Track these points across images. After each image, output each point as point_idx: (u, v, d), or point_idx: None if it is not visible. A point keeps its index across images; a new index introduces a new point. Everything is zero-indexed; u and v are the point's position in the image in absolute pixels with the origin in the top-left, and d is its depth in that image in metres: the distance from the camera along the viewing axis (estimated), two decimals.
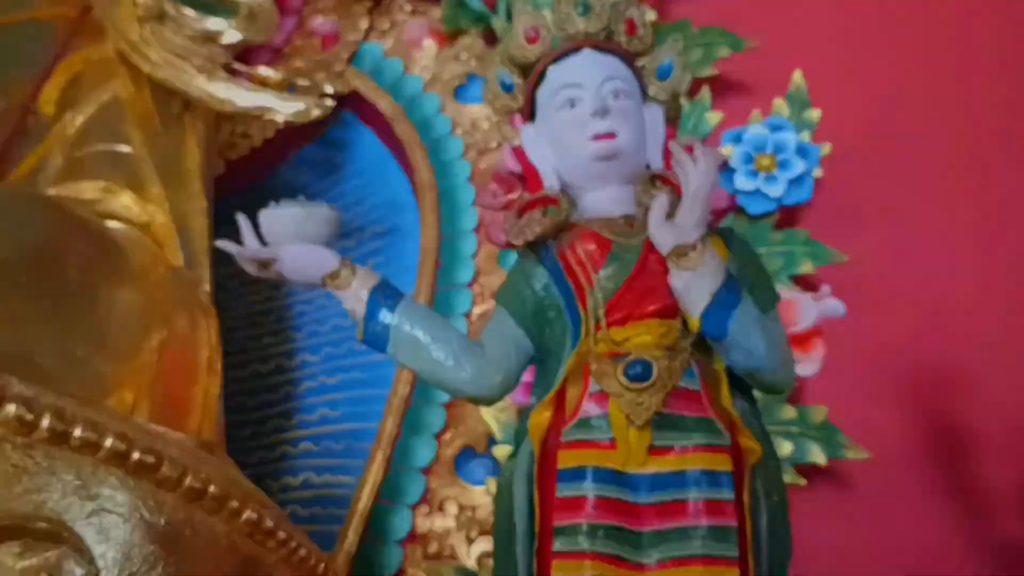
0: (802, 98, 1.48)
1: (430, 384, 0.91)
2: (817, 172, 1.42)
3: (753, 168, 1.39)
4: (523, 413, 0.83)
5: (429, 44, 1.70)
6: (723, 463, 0.72)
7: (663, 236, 0.76)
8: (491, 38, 1.65)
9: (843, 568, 1.23)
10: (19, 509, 0.69)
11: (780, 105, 1.47)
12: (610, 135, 0.82)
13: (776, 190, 1.37)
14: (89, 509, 0.71)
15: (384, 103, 1.62)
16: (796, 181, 1.38)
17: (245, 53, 1.50)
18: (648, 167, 0.86)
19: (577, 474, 0.72)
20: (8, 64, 1.27)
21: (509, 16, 1.57)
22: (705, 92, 1.50)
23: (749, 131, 1.41)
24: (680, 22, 1.60)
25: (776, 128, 1.41)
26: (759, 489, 0.74)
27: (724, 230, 0.85)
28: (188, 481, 0.77)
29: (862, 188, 1.49)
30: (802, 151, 1.39)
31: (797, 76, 1.48)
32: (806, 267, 1.35)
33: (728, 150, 1.39)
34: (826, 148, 1.44)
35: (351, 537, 1.23)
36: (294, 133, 1.63)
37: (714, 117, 1.48)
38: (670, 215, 0.77)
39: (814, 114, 1.46)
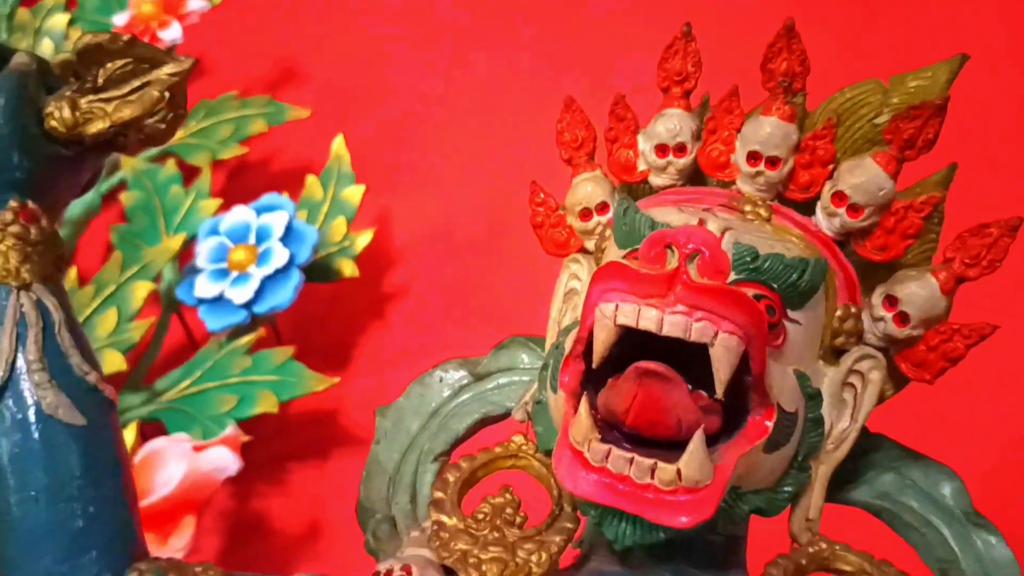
0: (343, 172, 1.15)
1: None
2: (348, 267, 1.07)
3: (225, 266, 1.03)
4: None
5: None
6: None
7: None
8: None
9: None
10: None
11: (313, 184, 1.15)
12: None
13: (244, 294, 1.00)
14: None
15: None
16: (275, 279, 1.01)
17: None
18: None
19: None
20: None
21: None
22: (205, 176, 1.17)
23: (229, 217, 1.07)
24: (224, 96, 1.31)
25: (267, 209, 1.07)
26: None
27: None
28: None
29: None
30: (293, 236, 1.04)
31: (337, 144, 1.16)
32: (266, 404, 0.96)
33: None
34: (364, 237, 1.09)
35: None
36: None
37: (211, 205, 1.14)
38: None
39: (355, 192, 1.13)
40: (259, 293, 1.00)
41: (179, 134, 1.24)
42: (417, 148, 1.26)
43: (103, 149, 0.43)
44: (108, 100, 0.40)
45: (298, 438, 1.04)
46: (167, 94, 0.41)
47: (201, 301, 1.02)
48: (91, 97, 0.41)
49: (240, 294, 1.01)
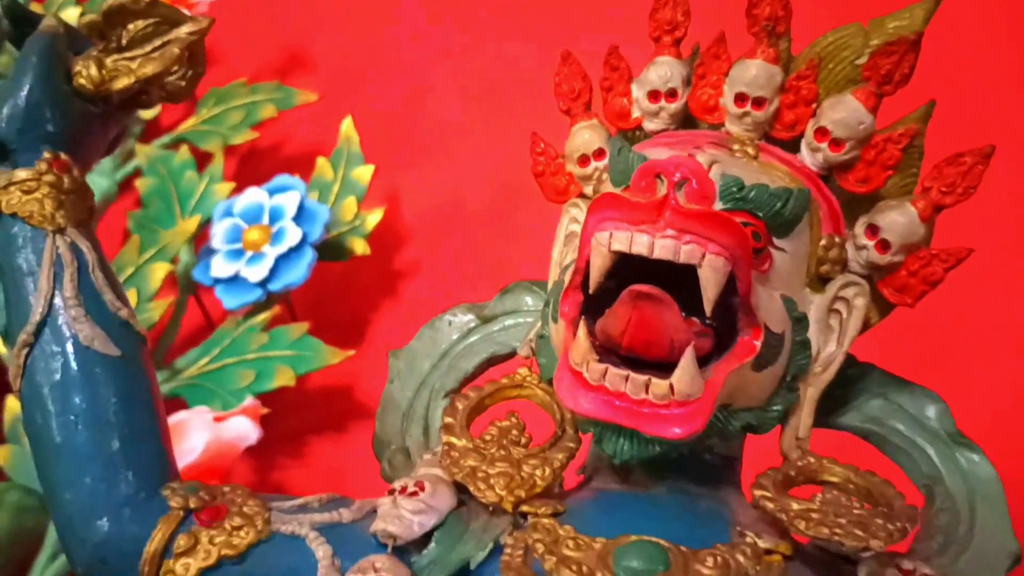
0: (352, 153, 1.19)
1: None
2: (360, 245, 1.11)
3: (240, 247, 1.07)
4: None
5: None
6: None
7: None
8: None
9: None
10: None
11: (324, 166, 1.18)
12: None
13: (259, 272, 1.04)
14: None
15: None
16: (288, 257, 1.05)
17: None
18: None
19: None
20: None
21: None
22: (218, 161, 1.21)
23: (243, 198, 1.11)
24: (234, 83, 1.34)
25: (280, 190, 1.10)
26: None
27: None
28: None
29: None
30: (305, 216, 1.08)
31: (346, 126, 1.19)
32: (283, 378, 1.00)
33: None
34: (374, 216, 1.13)
35: None
36: None
37: (224, 188, 1.18)
38: None
39: (364, 172, 1.16)
40: (273, 272, 1.04)
41: (191, 121, 1.29)
42: (424, 128, 1.29)
43: (128, 106, 0.46)
44: (132, 58, 0.44)
45: (315, 411, 1.07)
46: (187, 52, 0.44)
47: (217, 281, 1.06)
48: (116, 56, 0.44)
49: (255, 273, 1.04)
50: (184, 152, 1.21)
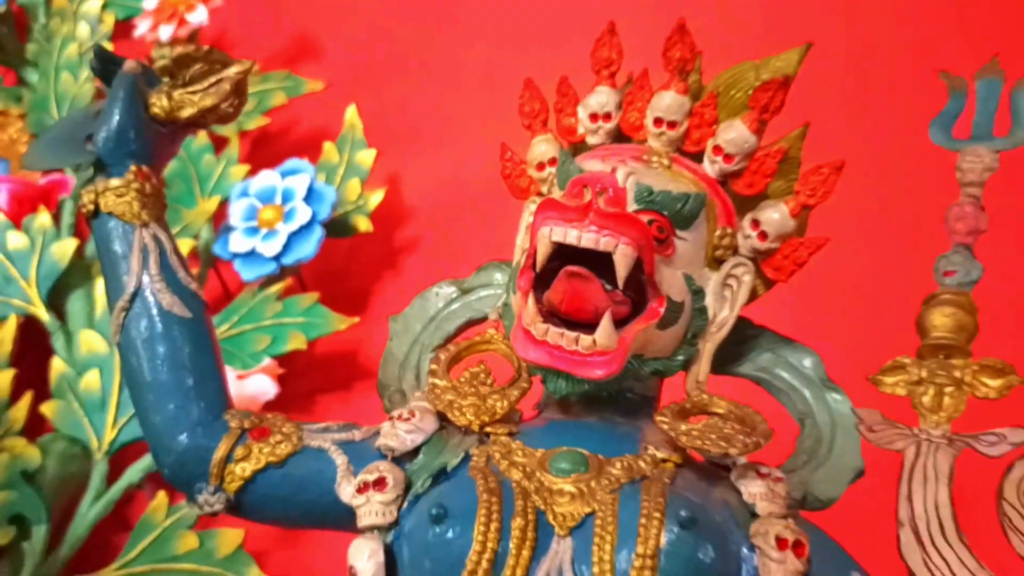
0: (356, 139, 1.32)
1: None
2: (363, 223, 1.25)
3: (256, 224, 1.21)
4: None
5: None
6: None
7: None
8: None
9: None
10: None
11: (330, 150, 1.32)
12: None
13: (273, 247, 1.18)
14: None
15: None
16: (299, 234, 1.19)
17: None
18: None
19: None
20: None
21: None
22: (233, 145, 1.35)
23: (257, 180, 1.24)
24: None
25: (291, 173, 1.24)
26: None
27: None
28: None
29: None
30: (314, 196, 1.21)
31: (351, 113, 1.33)
32: (296, 342, 1.14)
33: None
34: (376, 196, 1.27)
35: None
36: None
37: (239, 171, 1.32)
38: None
39: (367, 156, 1.30)
40: (286, 247, 1.17)
41: None
42: (423, 114, 1.41)
43: (189, 127, 0.62)
44: (194, 92, 0.59)
45: (325, 371, 1.22)
46: (235, 87, 0.59)
47: (235, 255, 1.19)
48: (181, 91, 0.59)
49: (269, 248, 1.18)
50: (203, 137, 1.34)
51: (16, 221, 1.23)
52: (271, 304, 1.19)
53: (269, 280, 1.21)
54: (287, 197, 1.21)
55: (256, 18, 1.55)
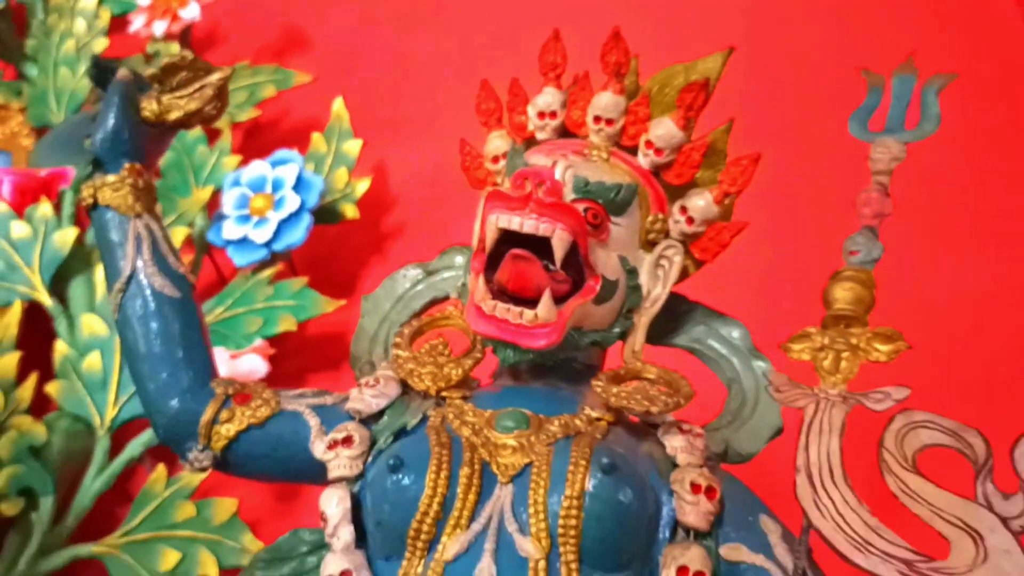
0: (343, 129, 1.39)
1: None
2: (350, 210, 1.32)
3: (247, 212, 1.28)
4: None
5: None
6: None
7: None
8: None
9: None
10: None
11: (318, 140, 1.39)
12: None
13: (264, 234, 1.25)
14: None
15: None
16: (289, 221, 1.26)
17: None
18: None
19: None
20: None
21: None
22: (226, 136, 1.42)
23: (248, 170, 1.31)
24: (238, 65, 1.54)
25: (280, 163, 1.31)
26: None
27: None
28: None
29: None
30: (303, 185, 1.28)
31: (338, 105, 1.40)
32: (286, 324, 1.22)
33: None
34: (362, 184, 1.34)
35: None
36: None
37: (232, 161, 1.39)
38: None
39: (354, 146, 1.37)
40: (276, 234, 1.24)
41: None
42: (407, 106, 1.48)
43: (176, 127, 0.69)
44: (180, 97, 0.66)
45: (314, 351, 1.29)
46: (217, 92, 0.67)
47: (228, 242, 1.26)
48: (169, 96, 0.67)
49: (261, 235, 1.24)
50: (197, 129, 1.39)
51: (19, 211, 1.29)
52: (263, 288, 1.25)
53: (261, 265, 1.27)
54: (277, 186, 1.28)
55: (246, 13, 1.61)
